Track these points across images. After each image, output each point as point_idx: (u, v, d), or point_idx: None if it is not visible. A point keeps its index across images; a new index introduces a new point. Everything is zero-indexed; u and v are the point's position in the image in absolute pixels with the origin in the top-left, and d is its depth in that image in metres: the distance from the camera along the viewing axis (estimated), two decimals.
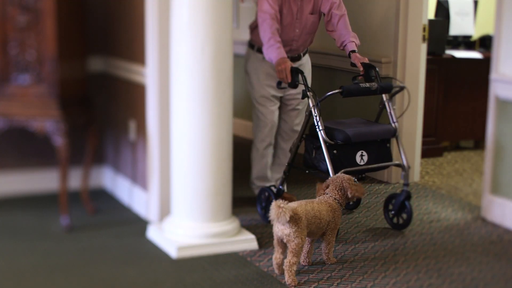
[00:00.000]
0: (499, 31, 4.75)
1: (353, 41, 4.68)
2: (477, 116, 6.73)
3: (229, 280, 3.82)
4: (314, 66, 5.15)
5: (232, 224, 4.30)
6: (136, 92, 4.78)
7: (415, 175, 5.83)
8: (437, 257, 4.20)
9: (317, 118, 4.34)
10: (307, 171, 4.55)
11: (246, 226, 4.53)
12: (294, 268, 3.73)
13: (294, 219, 3.69)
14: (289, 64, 4.50)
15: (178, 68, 4.11)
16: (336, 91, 4.38)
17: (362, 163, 4.41)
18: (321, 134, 4.32)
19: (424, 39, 5.65)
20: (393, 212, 4.61)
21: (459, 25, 6.93)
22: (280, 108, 5.00)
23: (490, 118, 4.88)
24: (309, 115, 4.46)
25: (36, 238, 4.40)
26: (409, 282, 3.83)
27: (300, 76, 4.46)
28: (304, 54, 4.94)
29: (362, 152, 4.41)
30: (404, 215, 4.58)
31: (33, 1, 4.37)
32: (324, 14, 4.81)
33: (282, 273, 3.84)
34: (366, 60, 4.63)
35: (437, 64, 6.52)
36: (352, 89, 4.44)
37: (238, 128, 7.23)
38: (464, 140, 7.15)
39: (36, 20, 4.39)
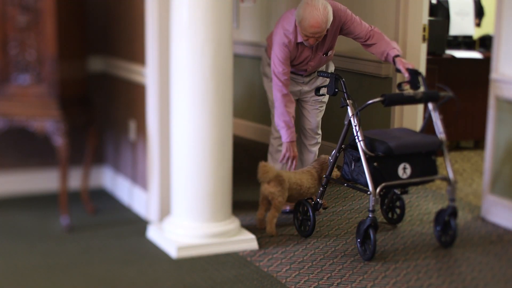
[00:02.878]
0: (499, 31, 4.75)
1: (395, 48, 4.55)
2: (477, 116, 6.73)
3: (229, 280, 3.82)
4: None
5: (232, 224, 4.30)
6: (136, 92, 4.78)
7: None
8: (437, 257, 4.20)
9: (357, 128, 4.11)
10: (345, 184, 4.37)
11: (246, 226, 4.53)
12: (275, 221, 4.42)
13: (278, 180, 4.37)
14: (295, 152, 4.58)
15: (178, 68, 4.11)
16: (378, 99, 4.13)
17: (404, 176, 4.15)
18: (360, 145, 4.08)
19: (424, 39, 5.65)
20: (438, 228, 4.32)
21: (459, 25, 6.93)
22: (301, 106, 4.96)
23: (490, 118, 4.88)
24: (348, 125, 4.23)
25: (36, 238, 4.40)
26: (409, 282, 3.83)
27: (340, 82, 4.26)
28: None
29: (405, 165, 4.14)
30: (450, 232, 4.29)
31: (33, 1, 4.37)
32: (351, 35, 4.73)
33: (262, 227, 4.45)
34: (411, 65, 4.41)
35: (437, 64, 6.52)
36: (395, 98, 4.23)
37: (238, 128, 7.23)
38: (464, 140, 7.15)
39: (36, 20, 4.39)
